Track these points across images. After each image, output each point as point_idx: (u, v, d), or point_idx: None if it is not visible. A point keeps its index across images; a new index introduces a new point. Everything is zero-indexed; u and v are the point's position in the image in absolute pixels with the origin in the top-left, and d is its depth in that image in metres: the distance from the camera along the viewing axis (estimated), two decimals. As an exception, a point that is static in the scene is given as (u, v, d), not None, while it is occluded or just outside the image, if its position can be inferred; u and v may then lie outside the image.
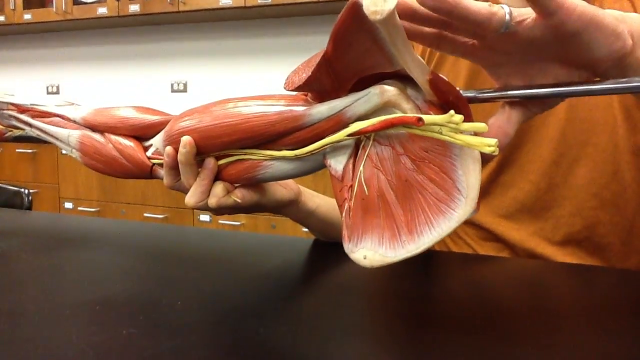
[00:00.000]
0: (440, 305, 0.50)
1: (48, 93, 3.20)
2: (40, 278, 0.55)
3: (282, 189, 0.57)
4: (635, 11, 0.66)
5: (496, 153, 0.36)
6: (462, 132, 0.37)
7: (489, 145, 0.36)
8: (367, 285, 0.56)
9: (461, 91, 0.41)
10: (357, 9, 0.35)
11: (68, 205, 2.61)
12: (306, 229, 0.67)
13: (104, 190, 2.53)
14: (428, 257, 0.68)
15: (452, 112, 0.36)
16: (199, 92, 2.85)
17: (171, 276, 0.56)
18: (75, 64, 3.12)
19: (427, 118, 0.37)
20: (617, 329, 0.43)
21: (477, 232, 0.75)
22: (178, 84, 2.88)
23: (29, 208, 1.13)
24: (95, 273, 0.56)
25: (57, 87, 3.18)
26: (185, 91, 2.88)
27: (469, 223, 0.75)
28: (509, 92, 0.41)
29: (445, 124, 0.37)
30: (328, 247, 0.66)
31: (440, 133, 0.37)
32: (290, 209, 0.60)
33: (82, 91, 3.12)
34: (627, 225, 0.68)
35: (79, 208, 2.58)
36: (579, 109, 0.67)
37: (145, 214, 2.43)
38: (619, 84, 0.38)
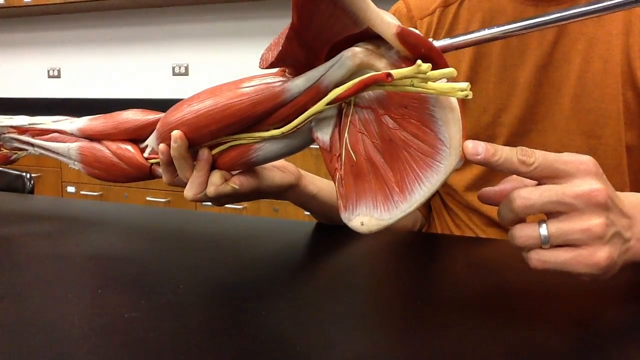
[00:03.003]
0: (443, 286, 0.50)
1: (49, 77, 3.19)
2: (42, 262, 0.55)
3: (281, 173, 0.57)
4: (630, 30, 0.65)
5: (470, 96, 0.36)
6: (433, 81, 0.36)
7: (461, 89, 0.35)
8: (370, 268, 0.56)
9: (434, 41, 0.40)
10: None
11: (70, 189, 2.61)
12: (308, 213, 0.67)
13: (106, 174, 2.52)
14: (431, 240, 0.68)
15: (419, 61, 0.36)
16: (201, 76, 2.84)
17: (173, 259, 0.56)
18: (76, 47, 3.10)
19: (395, 72, 0.37)
20: (617, 309, 0.43)
21: (480, 219, 0.74)
22: (179, 67, 2.86)
23: (31, 192, 1.12)
24: (98, 257, 0.56)
25: (59, 71, 3.17)
26: (187, 74, 2.86)
27: (472, 210, 0.74)
28: (483, 34, 0.40)
29: (415, 75, 0.36)
30: (330, 230, 0.66)
31: (412, 86, 0.37)
32: (291, 193, 0.60)
33: (83, 75, 3.11)
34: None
35: (82, 192, 2.58)
36: (585, 100, 0.66)
37: (148, 198, 2.43)
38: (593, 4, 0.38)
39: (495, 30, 0.40)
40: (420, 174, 0.40)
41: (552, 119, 0.68)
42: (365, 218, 0.43)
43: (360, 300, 0.45)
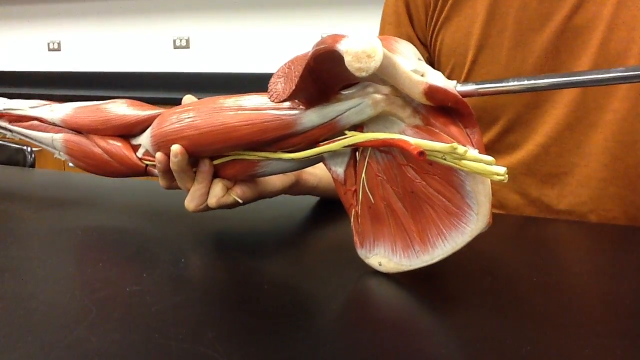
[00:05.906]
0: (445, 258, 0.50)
1: (49, 50, 3.16)
2: (43, 236, 0.55)
3: (281, 176, 0.55)
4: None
5: (505, 181, 0.35)
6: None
7: (498, 174, 0.34)
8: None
9: (459, 86, 0.39)
10: (338, 57, 0.33)
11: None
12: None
13: (108, 148, 2.51)
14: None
15: (454, 144, 0.35)
16: (202, 49, 2.81)
17: (175, 233, 0.56)
18: (76, 20, 3.07)
19: (428, 147, 0.35)
20: (623, 283, 0.43)
21: None
22: (180, 40, 2.83)
23: (32, 166, 1.12)
24: (99, 230, 0.56)
25: (59, 44, 3.14)
26: (188, 47, 2.84)
27: None
28: (509, 85, 0.39)
29: (449, 152, 0.35)
30: (333, 204, 0.65)
31: (444, 159, 0.36)
32: (293, 190, 0.59)
33: (83, 48, 3.08)
34: (636, 201, 0.65)
35: (84, 166, 2.58)
36: None
37: (150, 172, 2.43)
38: (627, 72, 0.36)
39: (525, 83, 0.39)
40: (444, 231, 0.39)
41: (567, 90, 0.64)
42: (383, 260, 0.43)
43: (361, 274, 0.45)
